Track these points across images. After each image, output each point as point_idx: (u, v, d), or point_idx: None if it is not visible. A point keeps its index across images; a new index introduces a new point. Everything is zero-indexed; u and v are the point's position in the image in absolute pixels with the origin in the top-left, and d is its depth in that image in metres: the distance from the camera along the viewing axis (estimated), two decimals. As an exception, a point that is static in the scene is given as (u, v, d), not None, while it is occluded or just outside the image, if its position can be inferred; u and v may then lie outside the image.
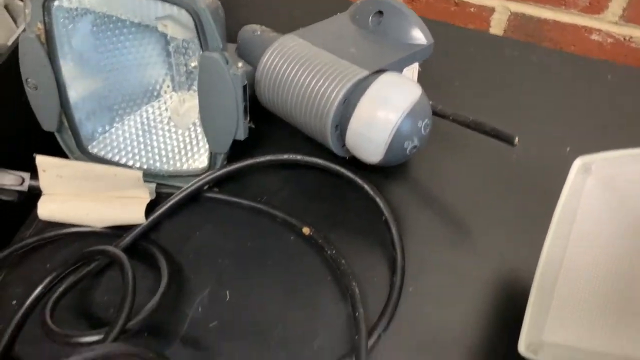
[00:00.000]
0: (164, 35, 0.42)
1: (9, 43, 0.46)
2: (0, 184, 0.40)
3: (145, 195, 0.39)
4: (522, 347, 0.27)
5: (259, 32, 0.42)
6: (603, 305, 0.27)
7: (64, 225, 0.40)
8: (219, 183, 0.42)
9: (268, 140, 0.45)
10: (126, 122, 0.43)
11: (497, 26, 0.64)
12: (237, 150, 0.41)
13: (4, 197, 0.40)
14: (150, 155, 0.42)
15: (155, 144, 0.43)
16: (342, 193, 0.42)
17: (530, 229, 0.39)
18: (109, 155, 0.42)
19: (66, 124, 0.40)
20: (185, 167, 0.42)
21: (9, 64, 0.40)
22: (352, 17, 0.43)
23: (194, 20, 0.34)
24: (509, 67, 0.52)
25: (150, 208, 0.40)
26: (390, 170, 0.42)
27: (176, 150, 0.42)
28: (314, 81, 0.35)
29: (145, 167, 0.42)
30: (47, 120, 0.40)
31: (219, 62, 0.34)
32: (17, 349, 0.36)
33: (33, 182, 0.40)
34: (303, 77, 0.36)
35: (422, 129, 0.34)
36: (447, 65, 0.51)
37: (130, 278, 0.33)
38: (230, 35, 0.39)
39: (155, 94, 0.44)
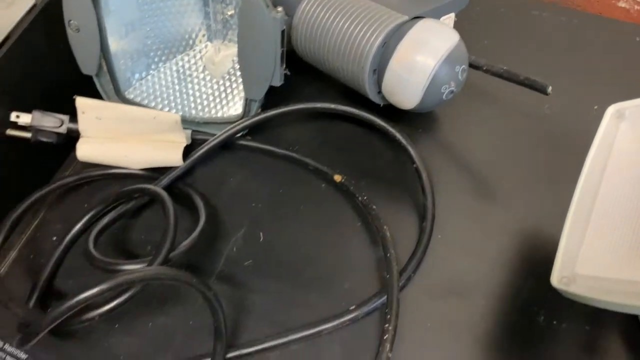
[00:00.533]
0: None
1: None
2: (40, 126, 0.41)
3: (182, 139, 0.40)
4: (554, 280, 0.28)
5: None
6: (634, 238, 0.27)
7: (101, 166, 0.41)
8: (252, 131, 0.43)
9: (300, 92, 0.45)
10: (162, 70, 0.44)
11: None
12: (270, 101, 0.42)
13: (44, 139, 0.41)
14: (185, 102, 0.43)
15: (190, 91, 0.43)
16: (372, 144, 0.42)
17: (557, 183, 0.39)
18: (145, 102, 0.43)
19: (105, 68, 0.41)
20: (219, 114, 0.43)
21: (52, 6, 0.40)
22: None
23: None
24: (537, 28, 0.52)
25: (185, 154, 0.41)
26: (419, 123, 0.43)
27: (211, 98, 0.43)
28: (353, 25, 0.36)
29: (180, 114, 0.42)
30: (87, 63, 0.41)
31: (259, 5, 0.35)
32: (57, 282, 0.38)
33: (71, 125, 0.41)
34: (342, 22, 0.36)
35: (459, 74, 0.35)
36: (477, 24, 0.51)
37: (171, 211, 0.34)
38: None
39: (190, 42, 0.45)
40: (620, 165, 0.29)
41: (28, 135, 0.41)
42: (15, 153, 0.41)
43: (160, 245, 0.33)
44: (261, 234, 0.39)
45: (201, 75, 0.44)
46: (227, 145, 0.42)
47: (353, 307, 0.35)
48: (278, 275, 0.37)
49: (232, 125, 0.40)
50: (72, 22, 0.39)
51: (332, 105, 0.40)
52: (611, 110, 0.31)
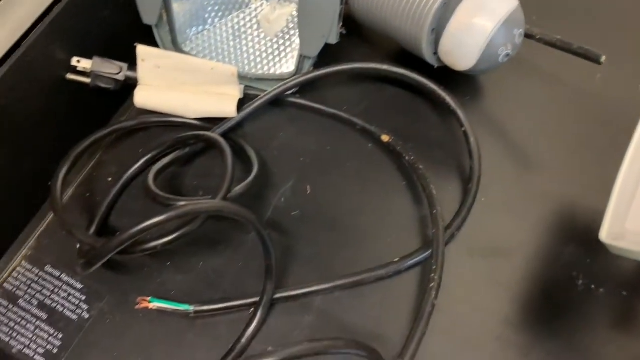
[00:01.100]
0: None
1: None
2: (99, 71, 0.42)
3: (236, 92, 0.41)
4: (603, 235, 0.29)
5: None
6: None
7: (157, 114, 0.42)
8: (301, 90, 0.44)
9: (348, 55, 0.46)
10: (217, 26, 0.45)
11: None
12: (320, 63, 0.43)
13: (102, 85, 0.42)
14: (239, 58, 0.44)
15: (244, 48, 0.45)
16: (419, 108, 0.43)
17: (602, 155, 0.40)
18: (200, 56, 0.44)
19: (165, 19, 0.42)
20: (271, 71, 0.44)
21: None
22: None
23: None
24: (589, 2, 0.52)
25: (237, 107, 0.42)
26: (467, 91, 0.44)
27: (264, 55, 0.44)
28: (415, -16, 0.37)
29: (233, 69, 0.44)
30: (149, 12, 0.42)
31: (323, -39, 0.36)
32: (111, 221, 0.39)
33: (129, 73, 0.42)
34: (403, -20, 0.37)
35: (516, 37, 0.36)
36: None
37: (229, 155, 0.35)
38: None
39: (247, 0, 0.46)
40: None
41: (87, 80, 0.42)
42: (74, 97, 0.43)
43: (219, 186, 0.34)
44: (308, 187, 0.40)
45: (255, 33, 0.45)
46: (277, 102, 0.43)
47: (397, 259, 0.36)
48: (323, 226, 0.38)
49: (285, 81, 0.42)
50: (137, -29, 0.40)
51: (385, 67, 0.41)
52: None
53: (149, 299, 0.34)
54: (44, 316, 0.36)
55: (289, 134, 0.43)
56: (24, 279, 0.37)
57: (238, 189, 0.36)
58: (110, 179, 0.41)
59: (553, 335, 0.35)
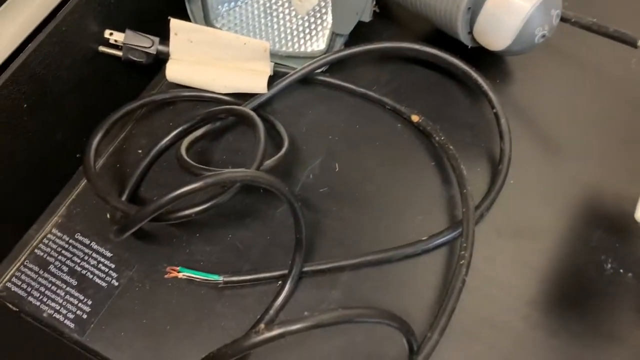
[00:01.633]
0: None
1: None
2: (132, 45, 0.42)
3: (267, 68, 0.41)
4: (638, 214, 0.29)
5: None
6: None
7: (188, 88, 0.43)
8: (331, 69, 0.44)
9: (379, 36, 0.46)
10: (249, 3, 0.46)
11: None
12: (350, 43, 0.43)
13: (134, 58, 0.43)
14: (270, 36, 0.44)
15: (275, 25, 0.45)
16: (448, 89, 0.43)
17: (633, 142, 0.40)
18: (231, 32, 0.44)
19: (198, -6, 0.43)
20: (302, 49, 0.44)
21: None
22: None
23: None
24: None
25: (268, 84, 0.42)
26: (498, 75, 0.43)
27: (294, 33, 0.44)
28: (452, -38, 0.36)
29: (264, 46, 0.44)
30: (182, -13, 0.42)
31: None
32: (141, 192, 0.40)
33: (161, 47, 0.43)
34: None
35: (554, 18, 0.36)
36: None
37: (261, 129, 0.35)
38: None
39: (278, -22, 0.46)
40: None
41: (119, 53, 0.43)
42: (106, 70, 0.43)
43: (251, 158, 0.34)
44: (337, 164, 0.40)
45: (286, 11, 0.45)
46: (306, 80, 0.43)
47: (425, 237, 0.36)
48: (352, 204, 0.39)
49: (316, 59, 0.42)
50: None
51: (417, 46, 0.41)
52: None
53: (178, 268, 0.35)
54: (74, 282, 0.36)
55: (317, 112, 0.43)
56: (55, 246, 0.37)
57: (269, 162, 0.36)
58: (140, 151, 0.41)
59: (580, 318, 0.34)
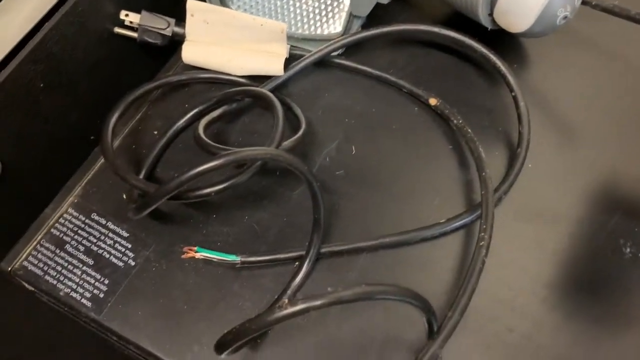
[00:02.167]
0: None
1: None
2: (147, 26, 0.42)
3: (283, 50, 0.41)
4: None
5: None
6: None
7: (204, 70, 0.42)
8: (347, 51, 0.43)
9: (395, 19, 0.46)
10: (265, -15, 0.45)
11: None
12: (367, 26, 0.42)
13: (149, 39, 0.43)
14: (286, 18, 0.44)
15: (291, 7, 0.44)
16: (466, 73, 0.43)
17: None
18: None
19: (214, -25, 0.42)
20: (319, 31, 0.43)
21: None
22: None
23: None
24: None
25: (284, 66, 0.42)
26: (516, 59, 0.43)
27: (311, 15, 0.44)
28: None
29: (279, 28, 0.43)
30: (199, -32, 0.42)
31: None
32: (157, 172, 0.39)
33: (176, 29, 0.42)
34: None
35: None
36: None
37: (279, 109, 0.35)
38: None
39: (295, -40, 0.46)
40: None
41: (134, 35, 0.42)
42: (121, 51, 0.43)
43: (269, 140, 0.34)
44: (353, 147, 0.40)
45: (303, -7, 0.45)
46: (322, 63, 0.43)
47: (443, 220, 0.36)
48: (368, 186, 0.38)
49: (333, 41, 0.41)
50: None
51: (435, 29, 0.40)
52: None
53: (195, 248, 0.35)
54: (91, 262, 0.36)
55: (334, 95, 0.42)
56: (71, 226, 0.37)
57: (287, 143, 0.36)
58: (155, 132, 0.41)
59: (598, 302, 0.34)
